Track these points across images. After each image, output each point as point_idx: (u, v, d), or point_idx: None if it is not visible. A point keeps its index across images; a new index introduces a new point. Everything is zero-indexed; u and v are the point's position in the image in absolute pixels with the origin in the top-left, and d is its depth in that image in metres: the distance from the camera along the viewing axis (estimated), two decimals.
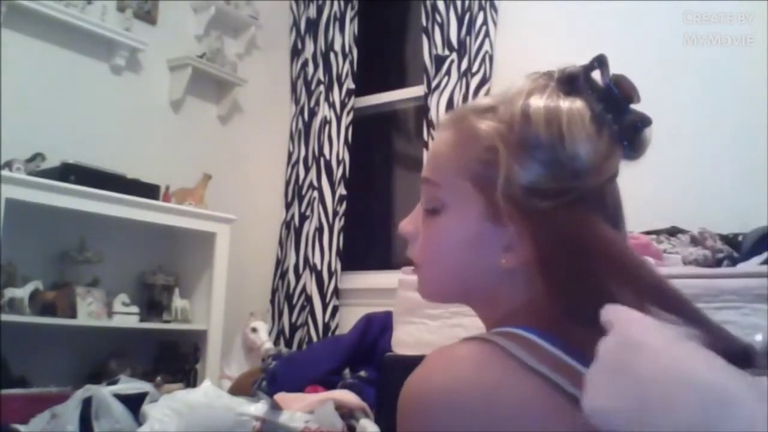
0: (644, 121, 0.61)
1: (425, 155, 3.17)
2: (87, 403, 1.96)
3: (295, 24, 3.84)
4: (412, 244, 0.70)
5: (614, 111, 0.61)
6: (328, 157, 3.54)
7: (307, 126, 3.69)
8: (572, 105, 0.61)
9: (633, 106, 0.62)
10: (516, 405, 0.52)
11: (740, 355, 0.53)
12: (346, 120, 3.56)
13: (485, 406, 0.52)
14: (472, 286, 0.66)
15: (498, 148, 0.61)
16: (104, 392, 1.98)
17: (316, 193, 3.56)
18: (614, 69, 0.64)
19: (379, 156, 3.88)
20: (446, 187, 0.65)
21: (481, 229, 0.63)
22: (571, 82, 0.63)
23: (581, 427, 0.50)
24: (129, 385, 2.09)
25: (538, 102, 0.62)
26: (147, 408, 1.95)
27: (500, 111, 0.63)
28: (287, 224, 3.66)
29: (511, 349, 0.54)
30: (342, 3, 3.65)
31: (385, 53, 3.92)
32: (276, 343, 3.27)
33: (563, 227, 0.58)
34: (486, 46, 3.08)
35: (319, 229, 3.48)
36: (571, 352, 0.55)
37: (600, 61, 0.62)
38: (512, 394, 0.52)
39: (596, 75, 0.63)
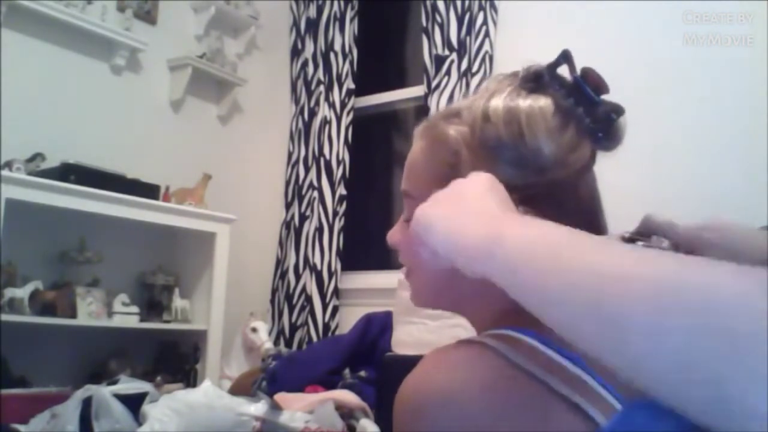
0: (617, 111, 0.62)
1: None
2: (87, 403, 1.96)
3: (295, 24, 3.84)
4: (400, 254, 0.72)
5: (585, 104, 0.61)
6: (328, 157, 3.54)
7: (307, 126, 3.69)
8: (534, 102, 0.62)
9: (604, 97, 0.62)
10: (509, 407, 0.52)
11: None
12: (346, 120, 3.56)
13: (479, 408, 0.52)
14: (458, 293, 0.66)
15: (461, 151, 0.63)
16: (104, 392, 1.98)
17: (316, 193, 3.56)
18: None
19: (379, 156, 3.88)
20: (419, 196, 0.65)
21: None
22: (535, 80, 0.64)
23: (573, 428, 0.50)
24: (129, 385, 2.09)
25: (497, 102, 0.63)
26: (147, 408, 1.95)
27: (464, 115, 0.65)
28: (287, 224, 3.66)
29: (504, 351, 0.54)
30: (342, 3, 3.65)
31: (385, 53, 3.92)
32: (276, 343, 3.27)
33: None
34: (486, 46, 3.08)
35: (319, 229, 3.48)
36: (561, 351, 0.55)
37: (565, 57, 0.63)
38: (505, 396, 0.52)
39: (564, 71, 0.64)
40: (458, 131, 0.64)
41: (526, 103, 0.62)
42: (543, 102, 0.62)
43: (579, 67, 0.63)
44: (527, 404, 0.52)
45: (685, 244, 0.60)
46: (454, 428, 0.51)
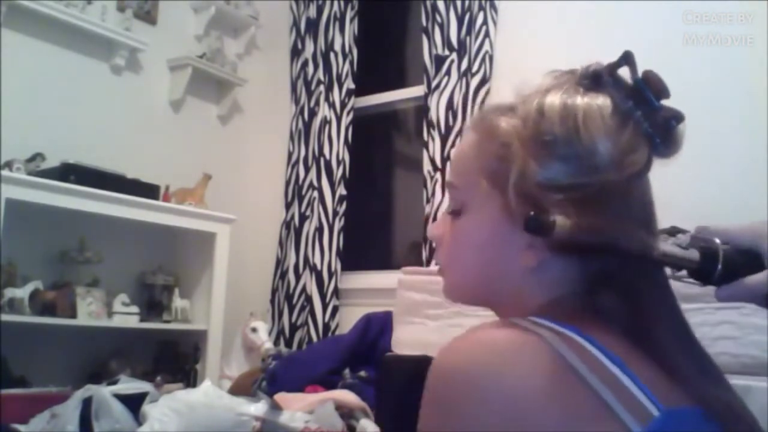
0: (677, 117, 0.61)
1: (425, 155, 3.17)
2: (87, 403, 1.96)
3: (295, 24, 3.84)
4: (438, 248, 0.71)
5: (644, 107, 0.60)
6: (328, 157, 3.54)
7: (307, 126, 3.69)
8: (591, 101, 0.61)
9: (664, 102, 0.61)
10: (544, 397, 0.51)
11: None
12: (346, 120, 3.56)
13: (513, 393, 0.51)
14: (496, 287, 0.65)
15: (512, 144, 0.61)
16: (104, 392, 1.99)
17: (316, 193, 3.56)
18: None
19: (379, 156, 3.88)
20: (465, 189, 0.65)
21: (500, 227, 0.63)
22: (594, 79, 0.62)
23: (605, 428, 0.50)
24: (129, 385, 2.10)
25: (554, 98, 0.62)
26: (147, 408, 1.95)
27: (519, 109, 0.64)
28: (287, 224, 3.66)
29: (556, 345, 0.53)
30: (342, 3, 3.65)
31: (385, 53, 3.92)
32: (276, 343, 3.27)
33: (580, 222, 0.58)
34: (486, 46, 3.08)
35: (319, 229, 3.48)
36: (604, 350, 0.54)
37: (627, 58, 0.62)
38: (542, 387, 0.51)
39: (624, 72, 0.63)
40: (511, 124, 0.63)
41: (583, 100, 0.61)
42: (601, 101, 0.61)
43: (641, 70, 0.62)
44: (562, 398, 0.51)
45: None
46: (504, 417, 0.50)
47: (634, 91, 0.61)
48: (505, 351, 0.53)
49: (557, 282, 0.61)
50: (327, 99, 3.61)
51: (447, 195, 0.69)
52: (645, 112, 0.60)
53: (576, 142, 0.59)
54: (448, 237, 0.68)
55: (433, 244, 0.74)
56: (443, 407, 0.53)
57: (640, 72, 0.62)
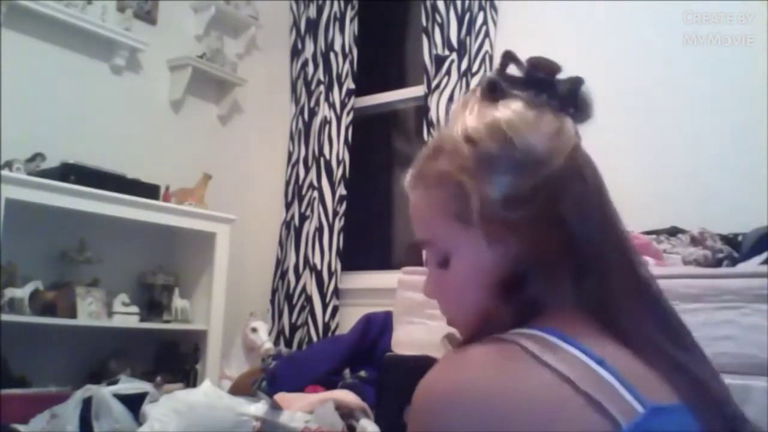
0: (576, 83, 0.64)
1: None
2: (87, 403, 1.96)
3: (295, 24, 3.84)
4: (441, 304, 0.70)
5: (546, 90, 0.63)
6: (328, 157, 3.54)
7: (307, 126, 3.69)
8: (505, 107, 0.63)
9: (559, 76, 0.64)
10: (532, 402, 0.52)
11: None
12: (346, 120, 3.56)
13: (502, 405, 0.52)
14: (497, 315, 0.65)
15: (461, 179, 0.63)
16: (104, 392, 1.99)
17: (316, 193, 3.56)
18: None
19: (379, 156, 3.88)
20: (441, 239, 0.66)
21: (484, 260, 0.63)
22: (494, 89, 0.65)
23: (595, 427, 0.50)
24: (129, 385, 2.10)
25: (472, 122, 0.64)
26: (147, 408, 1.95)
27: (446, 148, 0.65)
28: (287, 224, 3.66)
29: (531, 348, 0.54)
30: (342, 3, 3.65)
31: (385, 53, 3.92)
32: (276, 343, 3.27)
33: (549, 223, 0.60)
34: (486, 46, 3.08)
35: (319, 229, 3.48)
36: (586, 351, 0.55)
37: (508, 56, 0.66)
38: (528, 392, 0.52)
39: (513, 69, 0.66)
40: (448, 163, 0.65)
41: (499, 111, 0.64)
42: (513, 103, 0.64)
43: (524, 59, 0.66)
44: (553, 401, 0.52)
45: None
46: (472, 427, 0.51)
47: (529, 81, 0.64)
48: (485, 364, 0.54)
49: (543, 290, 0.62)
50: (327, 99, 3.61)
51: (426, 254, 0.70)
52: (548, 92, 0.63)
53: (512, 149, 0.61)
54: (445, 289, 0.68)
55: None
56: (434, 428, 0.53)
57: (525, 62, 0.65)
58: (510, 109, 0.63)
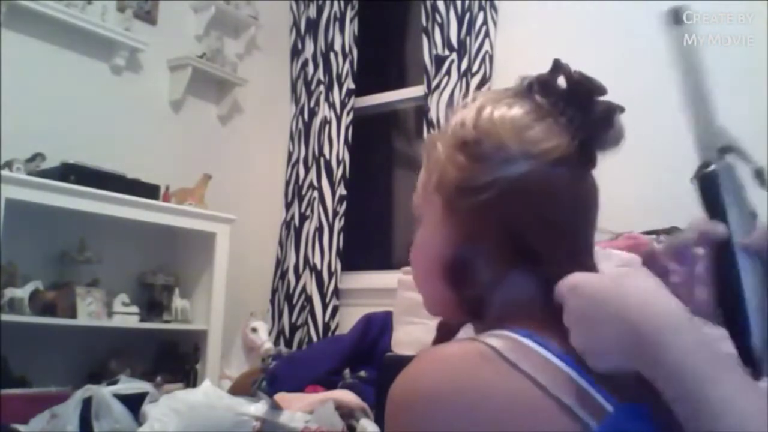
0: (612, 110, 0.64)
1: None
2: (87, 403, 1.96)
3: (295, 24, 3.84)
4: (413, 278, 0.73)
5: (576, 106, 0.63)
6: (328, 157, 3.54)
7: (307, 126, 3.69)
8: (508, 107, 0.65)
9: (601, 98, 0.64)
10: (503, 406, 0.52)
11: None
12: (346, 120, 3.56)
13: (473, 406, 0.52)
14: (454, 306, 0.67)
15: (437, 155, 0.66)
16: (104, 392, 1.99)
17: (316, 193, 3.56)
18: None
19: (379, 156, 3.88)
20: (416, 206, 0.70)
21: (436, 233, 0.66)
22: (526, 89, 0.66)
23: (563, 429, 0.50)
24: (129, 385, 2.10)
25: (473, 110, 0.66)
26: (147, 408, 1.95)
27: (450, 128, 0.68)
28: (287, 224, 3.66)
29: (501, 349, 0.54)
30: (342, 3, 3.65)
31: (385, 53, 3.92)
32: (276, 343, 3.27)
33: (502, 216, 0.61)
34: (486, 46, 3.08)
35: (319, 229, 3.48)
36: (557, 353, 0.55)
37: (558, 65, 0.65)
38: (500, 395, 0.52)
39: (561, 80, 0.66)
40: (440, 139, 0.68)
41: (500, 107, 0.65)
42: (518, 105, 0.65)
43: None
44: (520, 404, 0.52)
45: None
46: (447, 427, 0.52)
47: (565, 94, 0.64)
48: (440, 365, 0.55)
49: (511, 285, 0.63)
50: (327, 99, 3.61)
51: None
52: (578, 110, 0.63)
53: (484, 141, 0.63)
54: (414, 255, 0.71)
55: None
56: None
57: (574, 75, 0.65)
58: (510, 108, 0.64)
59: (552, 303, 0.58)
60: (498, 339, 0.56)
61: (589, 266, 0.63)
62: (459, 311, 0.67)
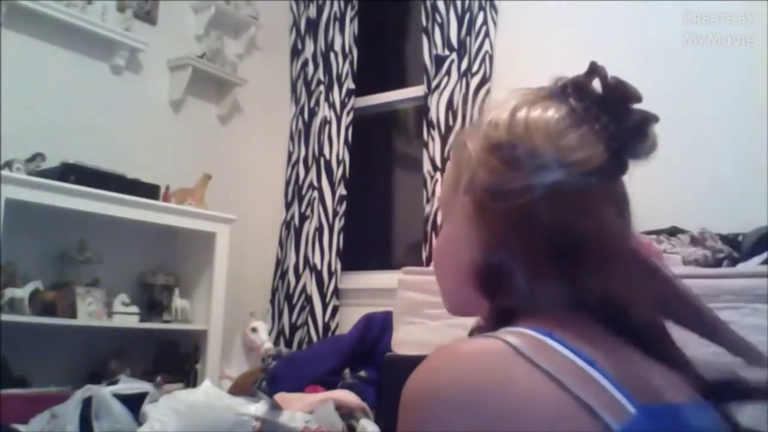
0: (648, 119, 0.63)
1: (425, 155, 3.17)
2: (87, 403, 1.96)
3: (295, 24, 3.84)
4: (436, 277, 0.74)
5: (610, 113, 0.62)
6: (328, 157, 3.54)
7: (307, 126, 3.69)
8: (542, 110, 0.64)
9: (636, 106, 0.63)
10: (521, 403, 0.51)
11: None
12: (346, 120, 3.56)
13: (490, 403, 0.51)
14: (473, 292, 0.66)
15: (468, 155, 0.65)
16: (104, 392, 1.99)
17: (316, 193, 3.56)
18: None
19: (379, 156, 3.88)
20: (442, 205, 0.71)
21: (464, 234, 0.66)
22: (560, 92, 0.65)
23: (584, 429, 0.50)
24: (129, 385, 2.10)
25: (505, 113, 0.65)
26: (147, 408, 1.95)
27: (479, 126, 0.67)
28: (287, 224, 3.66)
29: (521, 348, 0.54)
30: (342, 3, 3.65)
31: (385, 53, 3.92)
32: (276, 343, 3.27)
33: (535, 224, 0.60)
34: (486, 46, 3.08)
35: (319, 229, 3.48)
36: (578, 352, 0.55)
37: (594, 70, 0.65)
38: (518, 392, 0.52)
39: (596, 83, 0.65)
40: (470, 138, 0.67)
41: (533, 110, 0.64)
42: (552, 109, 0.64)
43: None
44: (539, 401, 0.51)
45: None
46: (462, 424, 0.51)
47: (599, 99, 0.63)
48: (476, 363, 0.54)
49: (529, 284, 0.62)
50: (327, 99, 3.61)
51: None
52: (613, 117, 0.62)
53: (518, 146, 0.62)
54: (436, 254, 0.72)
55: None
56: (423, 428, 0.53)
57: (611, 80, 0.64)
58: (543, 112, 0.63)
59: (579, 311, 0.58)
60: (516, 336, 0.55)
61: (624, 272, 0.62)
62: (483, 313, 0.67)
